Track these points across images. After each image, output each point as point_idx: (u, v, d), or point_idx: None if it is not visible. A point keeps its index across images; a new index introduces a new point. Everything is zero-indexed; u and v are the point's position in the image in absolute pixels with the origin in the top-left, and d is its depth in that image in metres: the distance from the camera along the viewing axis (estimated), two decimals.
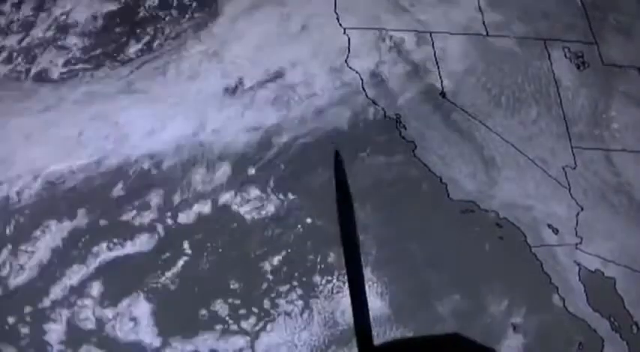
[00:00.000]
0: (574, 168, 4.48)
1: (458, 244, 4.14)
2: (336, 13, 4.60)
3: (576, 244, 4.27)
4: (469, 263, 4.10)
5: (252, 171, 4.11)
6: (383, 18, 4.66)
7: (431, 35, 4.67)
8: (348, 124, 4.31)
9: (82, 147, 4.03)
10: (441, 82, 4.55)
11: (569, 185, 4.42)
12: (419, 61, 4.59)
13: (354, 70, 4.45)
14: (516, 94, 4.63)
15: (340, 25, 4.57)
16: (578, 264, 4.22)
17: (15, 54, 4.26)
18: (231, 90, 4.30)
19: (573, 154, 4.53)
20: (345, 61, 4.47)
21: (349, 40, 4.53)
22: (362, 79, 4.44)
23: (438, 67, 4.58)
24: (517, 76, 4.69)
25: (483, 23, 4.80)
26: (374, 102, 4.39)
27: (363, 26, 4.61)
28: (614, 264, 4.26)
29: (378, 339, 3.82)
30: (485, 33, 4.77)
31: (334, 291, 3.88)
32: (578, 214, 4.35)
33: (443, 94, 4.52)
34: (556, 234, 4.27)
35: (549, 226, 4.29)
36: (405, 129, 4.37)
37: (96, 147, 4.04)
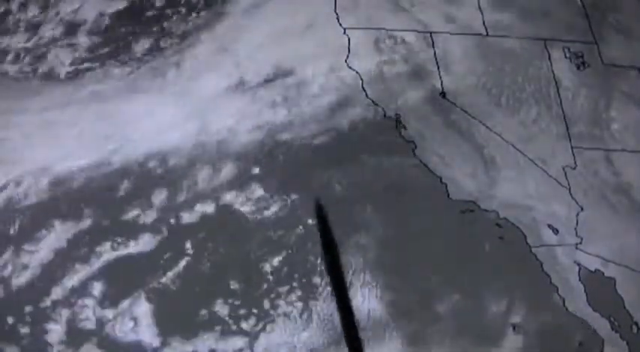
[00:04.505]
0: (574, 168, 4.48)
1: (458, 244, 4.14)
2: (336, 13, 4.60)
3: (576, 244, 4.27)
4: (469, 263, 4.10)
5: (255, 170, 4.10)
6: (383, 18, 4.67)
7: (431, 35, 4.66)
8: (348, 125, 4.32)
9: (84, 146, 4.03)
10: (441, 82, 4.55)
11: (569, 185, 4.42)
12: (419, 61, 4.59)
13: (354, 70, 4.45)
14: (516, 94, 4.63)
15: (340, 25, 4.57)
16: (578, 264, 4.22)
17: (22, 53, 4.26)
18: (235, 89, 4.29)
19: (573, 154, 4.53)
20: (345, 61, 4.47)
21: (349, 40, 4.53)
22: (362, 79, 4.44)
23: (438, 67, 4.58)
24: (517, 76, 4.69)
25: (483, 23, 4.80)
26: (374, 102, 4.39)
27: (363, 26, 4.61)
28: (614, 264, 4.26)
29: (376, 340, 3.82)
30: (485, 33, 4.77)
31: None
32: (578, 214, 4.35)
33: (443, 94, 4.52)
34: (556, 234, 4.27)
35: (549, 226, 4.28)
36: (405, 129, 4.37)
37: (98, 147, 4.03)
